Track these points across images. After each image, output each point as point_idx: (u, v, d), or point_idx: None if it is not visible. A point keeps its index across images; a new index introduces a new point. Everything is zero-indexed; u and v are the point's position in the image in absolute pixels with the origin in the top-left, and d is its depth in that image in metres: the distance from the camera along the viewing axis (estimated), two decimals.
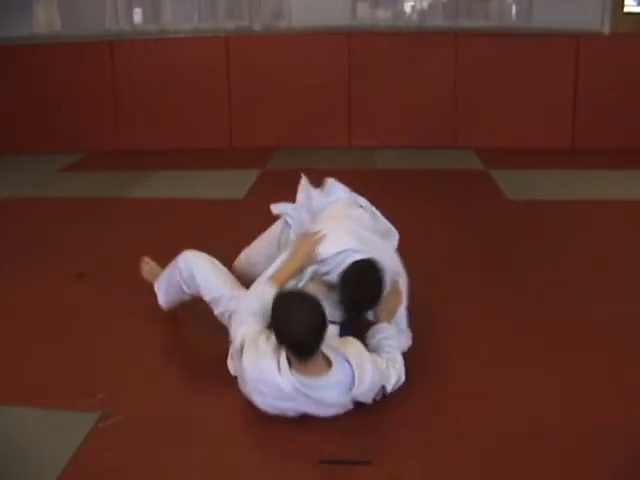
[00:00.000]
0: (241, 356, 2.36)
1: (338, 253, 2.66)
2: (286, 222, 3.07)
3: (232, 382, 2.49)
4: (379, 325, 2.64)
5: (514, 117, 6.37)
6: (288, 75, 6.42)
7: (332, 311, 2.55)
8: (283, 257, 2.76)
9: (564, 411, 2.44)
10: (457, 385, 2.62)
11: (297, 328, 2.20)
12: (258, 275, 2.75)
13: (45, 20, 6.57)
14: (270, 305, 2.34)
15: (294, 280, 2.70)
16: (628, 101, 6.23)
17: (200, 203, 4.95)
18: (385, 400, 2.43)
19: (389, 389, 2.42)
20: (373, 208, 3.09)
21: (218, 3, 6.57)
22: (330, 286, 2.68)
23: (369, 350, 2.47)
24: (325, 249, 2.69)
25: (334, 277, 2.63)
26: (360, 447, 2.24)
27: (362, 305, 2.64)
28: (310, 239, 2.75)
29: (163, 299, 3.07)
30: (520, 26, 6.38)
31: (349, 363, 2.31)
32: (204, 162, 6.13)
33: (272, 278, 2.65)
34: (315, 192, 3.15)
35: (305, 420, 2.34)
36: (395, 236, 3.06)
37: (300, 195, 3.14)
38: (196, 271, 2.84)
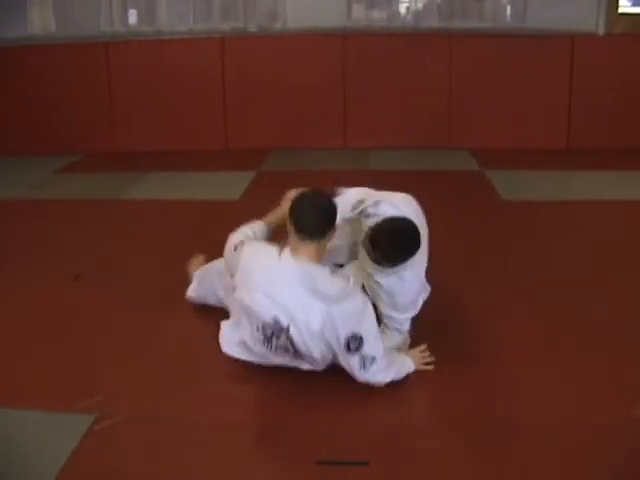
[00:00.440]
0: (241, 249, 2.55)
1: (378, 202, 2.72)
2: None
3: (231, 383, 2.49)
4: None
5: (509, 118, 6.38)
6: (283, 76, 6.42)
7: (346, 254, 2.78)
8: None
9: (564, 411, 2.44)
10: (456, 385, 2.61)
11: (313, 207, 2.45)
12: None
13: (40, 21, 6.55)
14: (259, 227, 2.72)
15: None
16: (623, 101, 6.25)
17: (195, 204, 4.94)
18: (386, 399, 2.44)
19: (374, 353, 2.42)
20: None
21: (213, 4, 6.57)
22: (357, 230, 2.78)
23: None
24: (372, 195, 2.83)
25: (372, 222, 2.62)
26: (358, 448, 2.24)
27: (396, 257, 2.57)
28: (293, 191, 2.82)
29: (195, 287, 3.12)
30: (515, 27, 6.38)
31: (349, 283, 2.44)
32: (199, 163, 6.13)
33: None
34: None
35: (303, 420, 2.35)
36: None
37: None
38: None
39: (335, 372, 2.60)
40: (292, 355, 2.50)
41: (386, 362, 2.48)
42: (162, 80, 6.45)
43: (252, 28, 6.56)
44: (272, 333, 2.45)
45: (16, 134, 6.57)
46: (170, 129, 6.57)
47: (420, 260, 2.68)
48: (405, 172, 5.67)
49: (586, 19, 6.26)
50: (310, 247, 2.43)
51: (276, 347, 2.49)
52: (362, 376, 2.47)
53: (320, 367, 2.55)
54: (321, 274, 2.43)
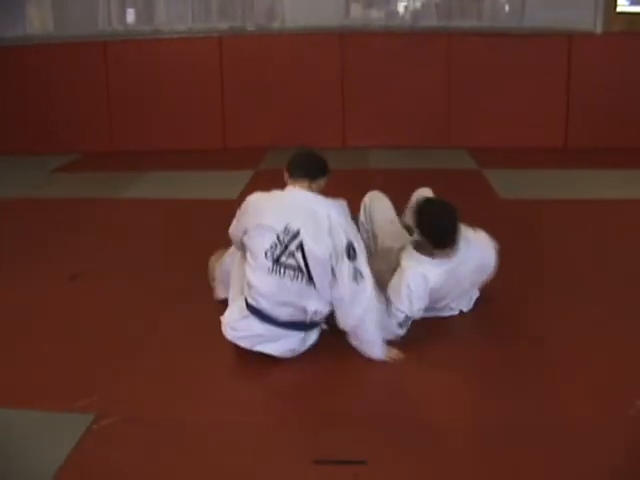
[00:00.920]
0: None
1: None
2: None
3: (230, 383, 2.48)
4: None
5: (507, 117, 6.38)
6: (281, 75, 6.42)
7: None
8: None
9: (564, 411, 2.44)
10: (454, 385, 2.62)
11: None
12: None
13: (38, 21, 6.56)
14: None
15: None
16: (621, 100, 6.26)
17: (193, 203, 4.94)
18: (384, 400, 2.45)
19: (363, 270, 2.62)
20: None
21: (211, 3, 6.58)
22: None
23: None
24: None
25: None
26: (356, 446, 2.24)
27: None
28: None
29: (221, 288, 3.16)
30: (513, 26, 6.40)
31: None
32: (198, 163, 6.12)
33: None
34: None
35: (301, 419, 2.35)
36: None
37: None
38: None
39: (335, 372, 2.61)
40: (300, 281, 2.60)
41: (373, 293, 2.64)
42: (160, 79, 6.45)
43: (250, 27, 6.57)
44: (283, 249, 2.60)
45: (14, 133, 6.57)
46: (168, 128, 6.56)
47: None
48: (404, 171, 5.67)
49: (584, 18, 6.27)
50: (304, 184, 2.72)
51: (285, 269, 2.60)
52: (351, 287, 2.59)
53: (326, 297, 2.64)
54: (317, 195, 2.71)
